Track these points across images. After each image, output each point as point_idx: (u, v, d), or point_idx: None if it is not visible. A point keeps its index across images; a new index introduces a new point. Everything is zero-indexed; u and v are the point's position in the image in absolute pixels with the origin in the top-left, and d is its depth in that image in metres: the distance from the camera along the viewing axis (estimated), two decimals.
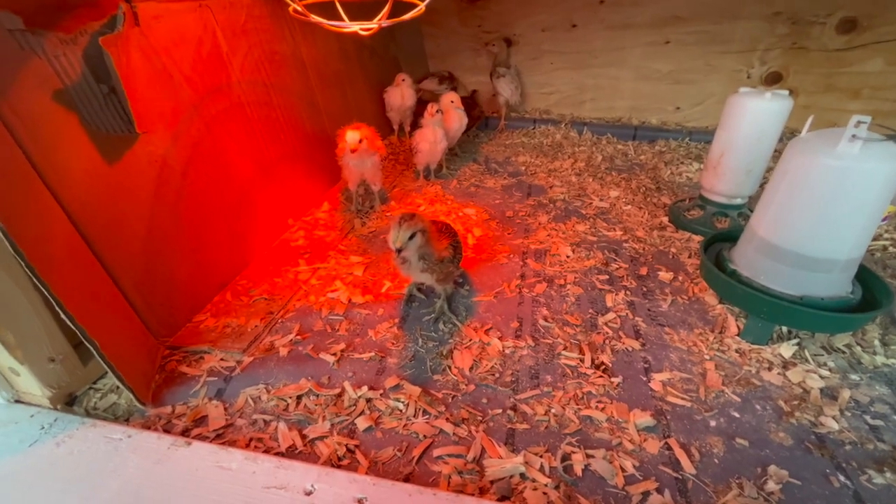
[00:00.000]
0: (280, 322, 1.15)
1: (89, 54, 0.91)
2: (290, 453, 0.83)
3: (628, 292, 1.25)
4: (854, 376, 0.98)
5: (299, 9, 0.94)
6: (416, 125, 1.94)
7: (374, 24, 0.97)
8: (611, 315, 1.17)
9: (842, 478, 0.78)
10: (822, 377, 0.97)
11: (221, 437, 0.86)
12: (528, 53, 2.62)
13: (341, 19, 1.00)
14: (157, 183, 1.04)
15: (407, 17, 0.99)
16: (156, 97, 1.05)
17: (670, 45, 2.41)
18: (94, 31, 0.92)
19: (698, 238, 1.50)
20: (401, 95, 2.27)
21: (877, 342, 1.07)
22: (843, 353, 1.04)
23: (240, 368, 1.00)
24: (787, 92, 1.35)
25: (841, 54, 2.23)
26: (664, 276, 1.32)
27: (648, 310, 1.19)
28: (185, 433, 0.86)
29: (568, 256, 1.42)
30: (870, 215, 0.91)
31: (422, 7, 1.01)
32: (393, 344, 1.08)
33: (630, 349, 1.06)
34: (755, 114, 1.35)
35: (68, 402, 0.92)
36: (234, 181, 1.30)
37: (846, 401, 0.92)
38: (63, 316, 0.77)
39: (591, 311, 1.19)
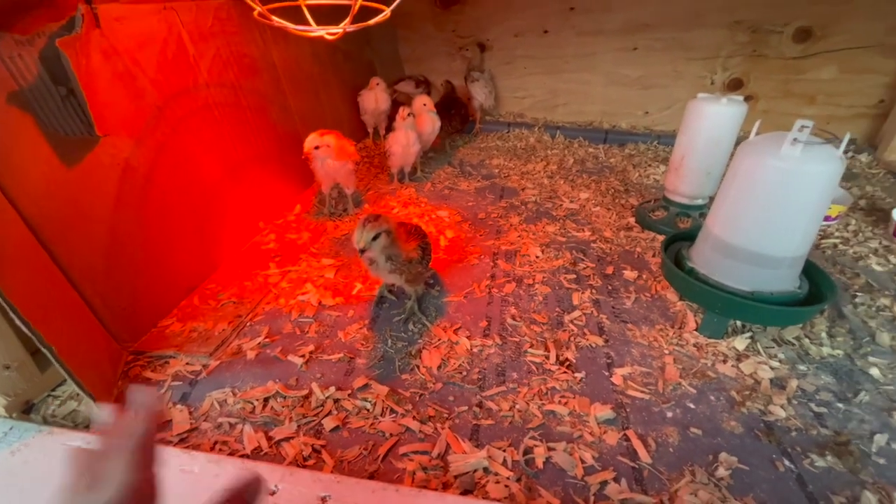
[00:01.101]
0: (249, 325, 1.14)
1: (46, 56, 0.90)
2: (256, 455, 0.83)
3: (594, 291, 1.29)
4: (802, 367, 1.04)
5: (263, 12, 0.95)
6: (390, 128, 1.96)
7: (339, 29, 0.99)
8: (576, 313, 1.20)
9: (787, 462, 0.83)
10: (772, 368, 1.02)
11: (185, 442, 0.85)
12: (501, 58, 2.66)
13: (308, 23, 1.01)
14: (120, 186, 1.03)
15: (372, 21, 1.01)
16: (118, 99, 1.04)
17: (639, 51, 2.48)
18: (51, 33, 0.91)
19: (662, 238, 1.56)
20: (375, 99, 2.28)
21: (824, 334, 1.13)
22: (793, 344, 1.10)
23: (206, 372, 1.00)
24: (742, 98, 1.42)
25: (797, 62, 2.34)
26: (629, 274, 1.37)
27: (613, 307, 1.23)
28: None
29: (537, 257, 1.45)
30: (813, 214, 0.96)
31: (387, 13, 1.03)
32: (362, 345, 1.09)
33: (594, 345, 1.09)
34: (712, 118, 1.42)
35: (25, 409, 0.90)
36: (202, 184, 1.29)
37: (794, 390, 0.97)
38: (17, 321, 0.76)
39: (557, 309, 1.22)
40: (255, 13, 0.96)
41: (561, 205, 1.81)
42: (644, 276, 1.36)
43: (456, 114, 2.37)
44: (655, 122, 2.64)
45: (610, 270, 1.39)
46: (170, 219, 1.17)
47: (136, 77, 1.08)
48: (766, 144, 0.98)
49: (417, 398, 0.95)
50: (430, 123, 2.04)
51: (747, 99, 2.47)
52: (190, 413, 0.91)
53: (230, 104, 1.41)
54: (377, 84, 2.24)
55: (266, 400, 0.93)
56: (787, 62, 2.35)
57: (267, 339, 1.09)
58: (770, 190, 0.96)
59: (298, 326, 1.14)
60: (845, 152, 2.31)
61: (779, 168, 0.94)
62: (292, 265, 1.38)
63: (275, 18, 0.98)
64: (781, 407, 0.93)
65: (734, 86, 2.47)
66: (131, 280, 1.06)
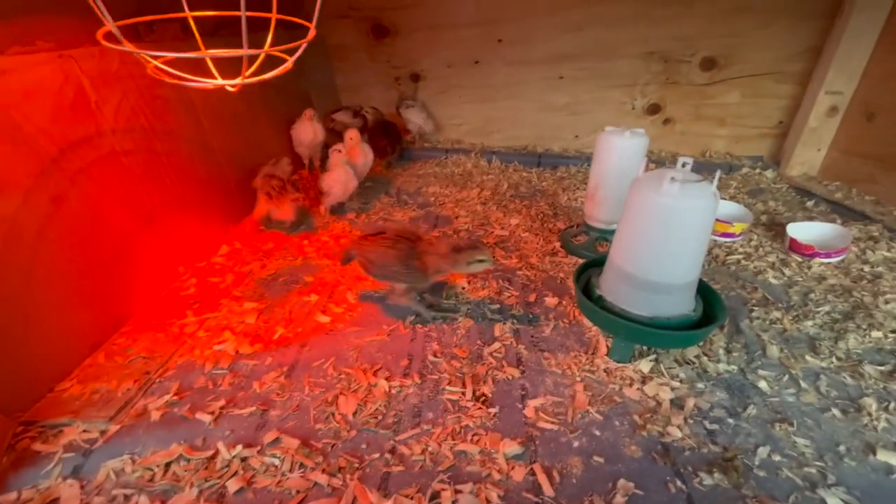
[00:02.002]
0: (158, 382, 1.10)
1: None
2: None
3: (515, 320, 1.33)
4: (700, 385, 1.11)
5: (155, 68, 0.94)
6: (325, 159, 1.97)
7: (238, 81, 0.99)
8: (496, 345, 1.23)
9: (679, 483, 0.88)
10: (672, 389, 1.09)
11: None
12: (436, 88, 2.73)
13: (213, 75, 1.01)
14: (3, 246, 0.97)
15: (273, 73, 1.02)
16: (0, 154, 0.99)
17: (564, 79, 2.62)
18: None
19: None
20: (312, 131, 2.26)
21: (721, 351, 1.21)
22: (693, 363, 1.17)
23: (103, 440, 0.94)
24: (643, 130, 1.52)
25: (705, 88, 2.54)
26: (550, 301, 1.42)
27: (532, 336, 1.27)
28: None
29: (463, 288, 1.48)
30: (696, 243, 1.05)
31: (289, 63, 1.04)
32: (278, 395, 1.07)
33: (510, 377, 1.13)
34: (619, 150, 1.51)
35: None
36: (108, 235, 1.24)
37: (691, 409, 1.04)
38: None
39: (479, 342, 1.25)
40: (149, 69, 0.95)
41: (492, 232, 1.87)
42: (564, 302, 1.42)
43: (390, 137, 2.44)
44: (585, 144, 2.78)
45: (532, 298, 1.44)
46: (68, 275, 1.11)
47: (22, 129, 1.04)
48: (651, 181, 1.05)
49: (330, 449, 0.94)
50: (363, 156, 2.06)
51: (666, 122, 2.68)
52: (82, 487, 0.85)
53: (141, 149, 1.37)
54: (311, 117, 2.24)
55: (168, 465, 0.89)
56: (696, 88, 2.55)
57: (175, 397, 1.05)
58: (656, 223, 1.04)
59: (211, 379, 1.11)
60: (753, 168, 2.51)
61: (661, 204, 1.01)
62: (212, 311, 1.34)
63: (171, 70, 0.97)
64: (678, 427, 0.99)
65: (653, 110, 2.65)
66: (21, 343, 1.00)
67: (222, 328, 1.28)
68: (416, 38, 2.59)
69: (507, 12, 2.45)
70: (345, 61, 2.73)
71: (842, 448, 0.95)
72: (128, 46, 0.84)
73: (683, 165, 1.09)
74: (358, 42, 2.64)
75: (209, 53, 1.03)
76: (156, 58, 0.95)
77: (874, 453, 0.93)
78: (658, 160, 2.62)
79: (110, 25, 0.83)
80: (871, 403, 1.04)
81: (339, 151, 1.82)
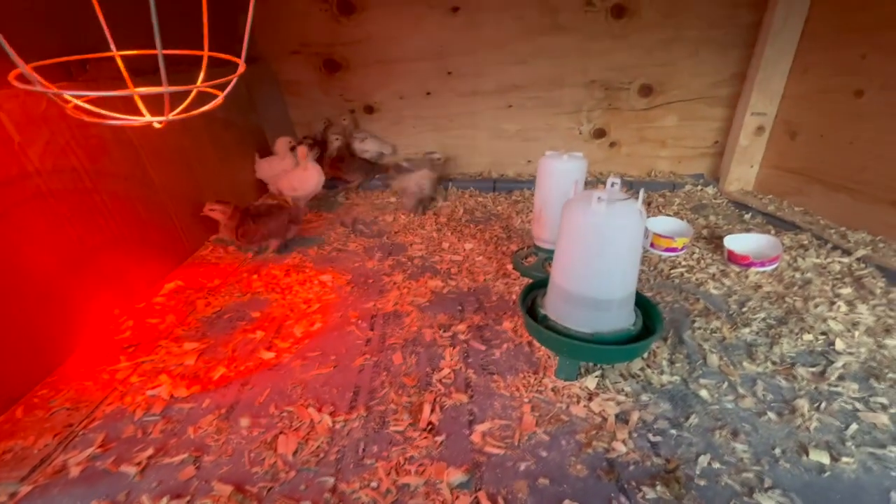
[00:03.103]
0: (81, 434, 1.02)
1: None
2: None
3: (465, 344, 1.33)
4: (644, 397, 1.13)
5: (73, 108, 0.92)
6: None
7: (164, 118, 0.98)
8: (445, 371, 1.22)
9: (623, 499, 0.87)
10: (618, 403, 1.10)
11: None
12: (390, 119, 2.79)
13: (139, 113, 1.00)
14: None
15: (202, 109, 1.01)
16: None
17: (513, 108, 2.73)
18: None
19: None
20: (317, 176, 2.24)
21: (664, 362, 1.24)
22: (638, 376, 1.19)
23: (12, 503, 0.87)
24: (581, 154, 1.59)
25: (645, 113, 2.70)
26: (501, 323, 1.43)
27: (482, 360, 1.27)
28: None
29: (416, 314, 1.47)
30: (626, 260, 1.08)
31: (219, 99, 1.04)
32: (213, 439, 1.01)
33: (458, 403, 1.11)
34: (559, 173, 1.57)
35: None
36: (31, 281, 1.17)
37: (635, 422, 1.05)
38: None
39: (428, 368, 1.23)
40: (68, 109, 0.93)
41: (446, 258, 1.88)
42: (514, 323, 1.42)
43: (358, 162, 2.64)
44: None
45: (483, 321, 1.44)
46: None
47: None
48: (581, 202, 1.09)
49: (265, 493, 0.89)
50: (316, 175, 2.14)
51: (612, 145, 2.81)
52: None
53: (72, 190, 1.33)
54: (306, 154, 2.22)
55: None
56: (637, 113, 2.70)
57: (100, 449, 0.98)
58: (587, 242, 1.07)
59: (142, 427, 1.04)
60: (695, 185, 2.65)
61: (589, 223, 1.05)
62: (148, 355, 1.27)
63: (91, 109, 0.95)
64: (623, 442, 1.00)
65: (599, 134, 2.78)
66: None
67: (158, 372, 1.21)
68: (367, 72, 2.65)
69: (454, 47, 2.55)
70: (298, 96, 2.75)
71: (777, 451, 0.97)
72: (39, 87, 0.82)
73: (612, 185, 1.14)
74: (310, 77, 2.68)
75: (132, 91, 1.02)
76: (76, 97, 0.94)
77: (807, 453, 0.96)
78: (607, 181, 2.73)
79: (21, 67, 0.81)
80: (803, 405, 1.08)
81: (311, 148, 1.94)
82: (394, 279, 1.70)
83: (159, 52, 0.81)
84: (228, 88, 1.04)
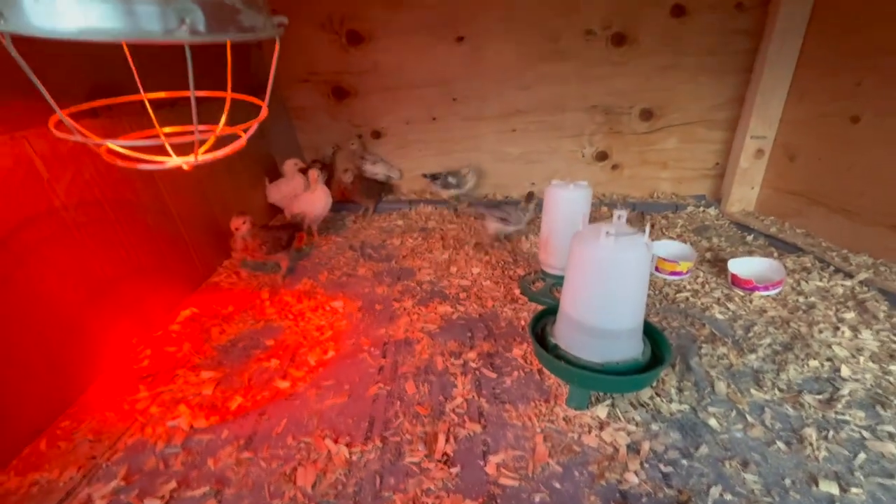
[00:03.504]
0: (105, 467, 1.05)
1: None
2: None
3: (477, 372, 1.35)
4: (655, 426, 1.15)
5: (106, 151, 0.97)
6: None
7: (192, 161, 1.03)
8: (458, 400, 1.24)
9: None
10: (629, 433, 1.12)
11: None
12: (396, 143, 2.86)
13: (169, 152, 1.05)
14: None
15: (226, 151, 1.06)
16: None
17: (517, 132, 2.79)
18: None
19: (543, 307, 1.68)
20: (325, 198, 2.31)
21: (673, 390, 1.26)
22: (647, 405, 1.22)
23: None
24: (585, 182, 1.63)
25: (646, 136, 2.75)
26: (511, 350, 1.45)
27: (493, 388, 1.29)
28: None
29: (426, 341, 1.50)
30: (635, 292, 1.11)
31: (242, 141, 1.09)
32: (233, 471, 1.04)
33: (472, 433, 1.13)
34: (565, 202, 1.61)
35: None
36: (56, 312, 1.21)
37: (647, 452, 1.07)
38: None
39: (440, 397, 1.26)
40: (102, 154, 0.98)
41: (454, 283, 1.91)
42: (525, 350, 1.45)
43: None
44: (542, 191, 2.92)
45: (494, 348, 1.46)
46: (8, 361, 1.07)
47: None
48: (589, 235, 1.13)
49: None
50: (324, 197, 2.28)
51: (614, 167, 2.86)
52: None
53: (95, 221, 1.37)
54: (317, 178, 2.29)
55: None
56: (638, 136, 2.76)
57: (123, 482, 1.00)
58: (596, 274, 1.10)
59: (163, 459, 1.06)
60: (697, 206, 2.69)
61: (598, 257, 1.08)
62: (166, 385, 1.30)
63: (125, 152, 1.00)
64: (635, 473, 1.01)
65: (601, 157, 2.84)
66: None
67: (177, 402, 1.24)
68: (374, 99, 2.73)
69: (459, 74, 2.63)
70: (307, 121, 2.82)
71: (787, 481, 0.99)
72: (78, 136, 0.87)
73: (619, 218, 1.18)
74: (319, 103, 2.75)
75: (163, 139, 1.06)
76: (114, 145, 0.99)
77: (816, 484, 0.98)
78: (610, 202, 2.78)
79: (59, 115, 0.86)
80: (811, 433, 1.10)
81: (321, 171, 2.16)
82: (404, 305, 1.73)
83: (192, 95, 0.86)
84: (250, 132, 1.09)
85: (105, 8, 0.72)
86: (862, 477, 0.99)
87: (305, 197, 2.28)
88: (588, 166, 2.85)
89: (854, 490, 0.97)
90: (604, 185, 2.92)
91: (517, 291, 1.82)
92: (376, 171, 2.79)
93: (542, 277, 1.80)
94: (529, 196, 2.26)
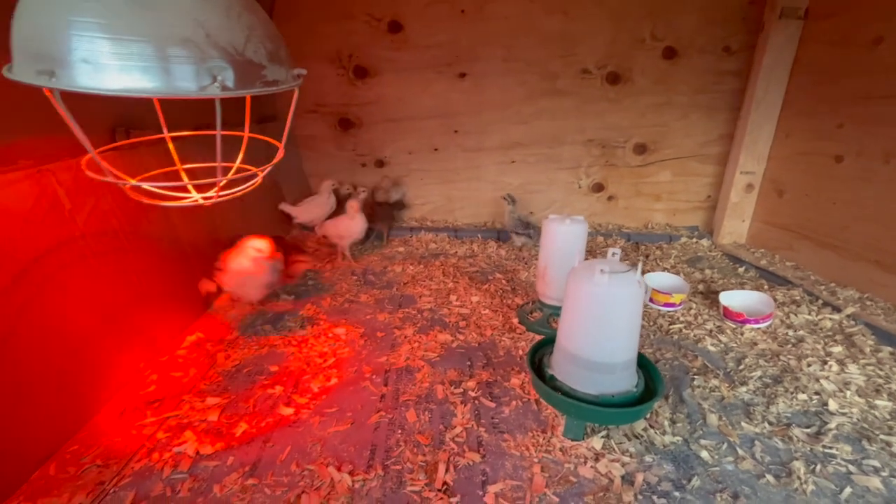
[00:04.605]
0: (112, 492, 1.07)
1: None
2: None
3: (476, 402, 1.39)
4: (648, 458, 1.18)
5: (131, 188, 1.03)
6: None
7: (212, 196, 1.09)
8: (458, 429, 1.27)
9: None
10: (623, 465, 1.15)
11: None
12: (399, 172, 2.95)
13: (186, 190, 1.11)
14: None
15: (243, 189, 1.13)
16: None
17: (516, 163, 2.89)
18: None
19: (540, 338, 1.73)
20: (361, 224, 2.43)
21: (666, 423, 1.30)
22: (641, 437, 1.25)
23: None
24: (581, 217, 1.71)
25: (640, 169, 2.86)
26: (509, 380, 1.49)
27: (492, 417, 1.33)
28: None
29: (427, 370, 1.54)
30: (628, 327, 1.17)
31: (259, 179, 1.16)
32: (239, 498, 1.06)
33: (471, 463, 1.16)
34: (562, 235, 1.68)
35: None
36: (70, 338, 1.25)
37: (640, 484, 1.10)
38: None
39: (441, 426, 1.29)
40: (127, 191, 1.04)
41: (453, 311, 1.96)
42: (521, 380, 1.49)
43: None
44: (539, 220, 3.00)
45: (493, 377, 1.50)
46: (21, 386, 1.11)
47: None
48: (585, 271, 1.19)
49: None
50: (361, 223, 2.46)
51: (610, 199, 2.95)
52: None
53: (111, 250, 1.43)
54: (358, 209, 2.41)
55: None
56: (633, 169, 2.86)
57: None
58: (591, 309, 1.16)
59: (170, 485, 1.09)
60: (690, 237, 2.76)
61: (593, 293, 1.14)
62: (172, 410, 1.33)
63: (149, 189, 1.07)
64: None
65: (597, 188, 2.93)
66: None
67: (183, 427, 1.27)
68: (378, 129, 2.83)
69: (461, 107, 2.75)
70: (313, 150, 2.92)
71: None
72: (110, 178, 0.93)
73: (613, 255, 1.24)
74: (325, 133, 2.86)
75: (185, 180, 1.13)
76: (133, 182, 1.05)
77: None
78: (606, 232, 2.86)
79: (94, 156, 0.93)
80: (799, 467, 1.14)
81: (356, 201, 2.35)
82: (405, 332, 1.78)
83: (218, 137, 0.93)
84: (266, 171, 1.16)
85: (145, 68, 0.79)
86: None
87: (343, 222, 2.41)
88: (585, 197, 2.95)
89: None
90: (600, 216, 3.00)
91: (515, 321, 1.87)
92: (392, 196, 2.88)
93: (539, 308, 1.85)
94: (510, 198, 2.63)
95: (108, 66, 0.78)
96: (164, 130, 1.21)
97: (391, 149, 2.89)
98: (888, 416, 1.31)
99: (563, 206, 2.97)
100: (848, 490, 1.07)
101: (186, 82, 0.82)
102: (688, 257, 2.56)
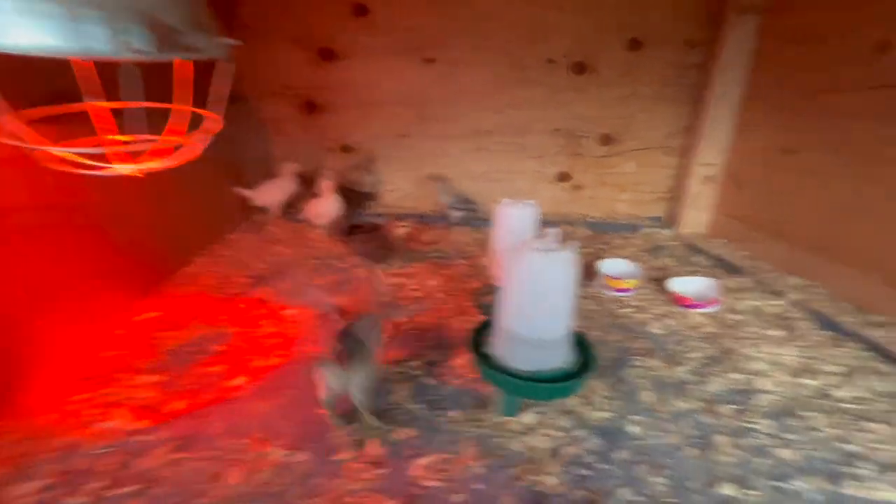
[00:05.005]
0: (35, 465, 1.06)
1: None
2: None
3: (416, 380, 1.40)
4: (579, 433, 1.21)
5: (44, 156, 1.01)
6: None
7: (135, 168, 1.08)
8: (393, 406, 1.29)
9: None
10: (553, 439, 1.18)
11: None
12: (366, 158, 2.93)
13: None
14: None
15: (177, 162, 1.12)
16: None
17: (482, 151, 2.90)
18: None
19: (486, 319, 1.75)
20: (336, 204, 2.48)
21: (603, 400, 1.33)
22: (574, 412, 1.28)
23: None
24: (533, 202, 1.72)
25: (605, 159, 2.89)
26: (453, 360, 1.51)
27: (430, 395, 1.34)
28: None
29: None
30: (560, 302, 1.18)
31: (194, 150, 1.15)
32: (165, 470, 1.06)
33: (403, 438, 1.18)
34: (512, 218, 1.70)
35: None
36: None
37: (567, 456, 1.13)
38: None
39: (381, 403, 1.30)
40: (39, 155, 1.02)
41: (409, 294, 1.96)
42: (466, 361, 1.51)
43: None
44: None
45: (440, 358, 1.52)
46: None
47: None
48: (518, 250, 1.21)
49: None
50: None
51: (576, 188, 2.98)
52: None
53: (45, 225, 1.39)
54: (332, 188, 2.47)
55: None
56: (598, 159, 2.89)
57: (52, 480, 1.01)
58: (523, 284, 1.18)
59: (96, 459, 1.08)
60: (653, 227, 2.80)
61: (524, 269, 1.16)
62: (108, 387, 1.31)
63: (77, 160, 1.05)
64: (554, 475, 1.07)
65: (563, 178, 2.96)
66: None
67: (117, 404, 1.25)
68: (346, 114, 2.81)
69: (429, 94, 2.73)
70: (279, 133, 2.88)
71: (691, 484, 1.06)
72: (27, 145, 0.91)
73: (548, 234, 1.26)
74: (291, 116, 2.82)
75: (115, 147, 1.11)
76: (48, 150, 1.03)
77: (719, 486, 1.05)
78: (570, 221, 2.89)
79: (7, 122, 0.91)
80: (722, 440, 1.18)
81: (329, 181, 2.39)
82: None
83: (125, 106, 0.92)
84: (205, 144, 1.15)
85: (53, 26, 0.78)
86: (762, 480, 1.07)
87: (321, 204, 2.46)
88: (551, 185, 2.97)
89: (753, 492, 1.04)
90: (566, 205, 3.03)
91: (469, 304, 1.88)
92: (366, 180, 2.86)
93: (492, 291, 1.87)
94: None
95: (13, 24, 0.76)
96: (83, 98, 1.18)
97: (358, 135, 2.87)
98: (812, 394, 1.36)
99: (529, 194, 2.95)
100: (763, 460, 1.12)
101: (98, 43, 0.81)
102: (649, 247, 2.61)
